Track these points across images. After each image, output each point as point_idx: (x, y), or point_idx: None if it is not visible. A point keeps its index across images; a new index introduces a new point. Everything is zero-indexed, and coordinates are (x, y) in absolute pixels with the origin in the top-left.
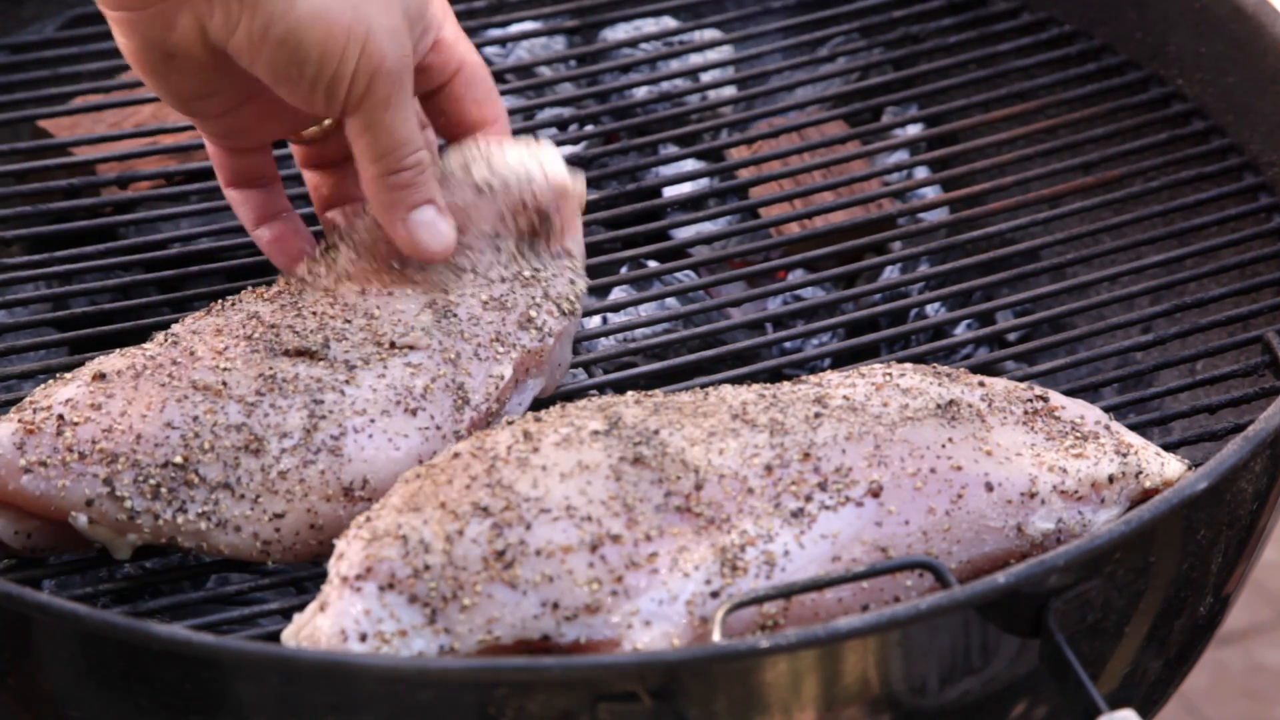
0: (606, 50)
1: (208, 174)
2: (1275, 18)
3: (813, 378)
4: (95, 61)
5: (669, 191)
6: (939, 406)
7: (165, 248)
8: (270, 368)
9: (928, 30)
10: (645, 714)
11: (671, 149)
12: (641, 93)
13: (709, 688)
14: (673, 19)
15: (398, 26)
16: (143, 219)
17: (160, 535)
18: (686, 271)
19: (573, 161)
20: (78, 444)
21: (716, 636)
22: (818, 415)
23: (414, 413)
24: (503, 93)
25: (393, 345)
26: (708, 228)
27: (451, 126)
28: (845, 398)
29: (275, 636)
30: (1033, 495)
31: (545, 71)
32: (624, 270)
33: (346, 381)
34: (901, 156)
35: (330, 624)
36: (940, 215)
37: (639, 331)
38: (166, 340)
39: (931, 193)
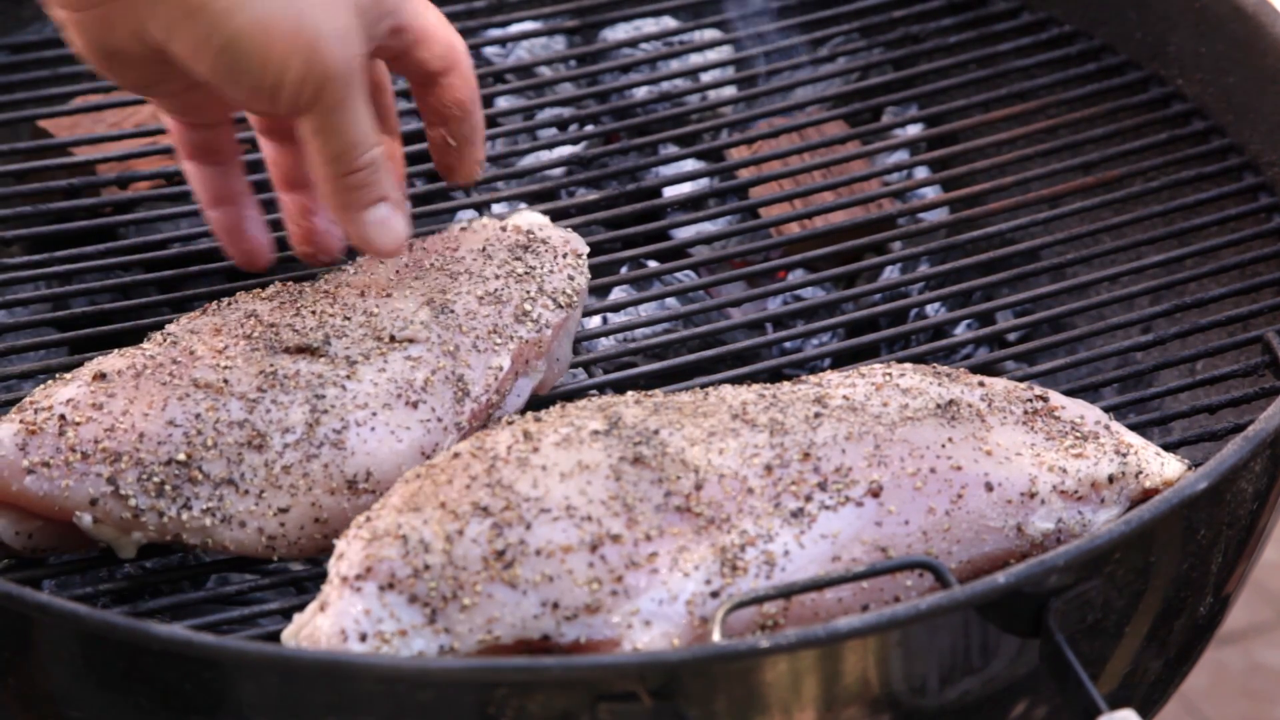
0: (606, 50)
1: None
2: (1275, 18)
3: (813, 378)
4: None
5: (669, 191)
6: (939, 406)
7: (165, 248)
8: (271, 365)
9: (928, 30)
10: (645, 714)
11: (671, 149)
12: (641, 93)
13: (709, 688)
14: (673, 19)
15: (346, 27)
16: (143, 219)
17: (165, 533)
18: (686, 271)
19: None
20: (80, 444)
21: (716, 636)
22: (818, 415)
23: (415, 405)
24: (502, 93)
25: (392, 339)
26: (708, 228)
27: (433, 115)
28: (845, 398)
29: (275, 636)
30: (1032, 495)
31: (545, 71)
32: (624, 270)
33: (347, 376)
34: (901, 156)
35: (330, 624)
36: (940, 215)
37: (639, 331)
38: (165, 340)
39: (931, 193)
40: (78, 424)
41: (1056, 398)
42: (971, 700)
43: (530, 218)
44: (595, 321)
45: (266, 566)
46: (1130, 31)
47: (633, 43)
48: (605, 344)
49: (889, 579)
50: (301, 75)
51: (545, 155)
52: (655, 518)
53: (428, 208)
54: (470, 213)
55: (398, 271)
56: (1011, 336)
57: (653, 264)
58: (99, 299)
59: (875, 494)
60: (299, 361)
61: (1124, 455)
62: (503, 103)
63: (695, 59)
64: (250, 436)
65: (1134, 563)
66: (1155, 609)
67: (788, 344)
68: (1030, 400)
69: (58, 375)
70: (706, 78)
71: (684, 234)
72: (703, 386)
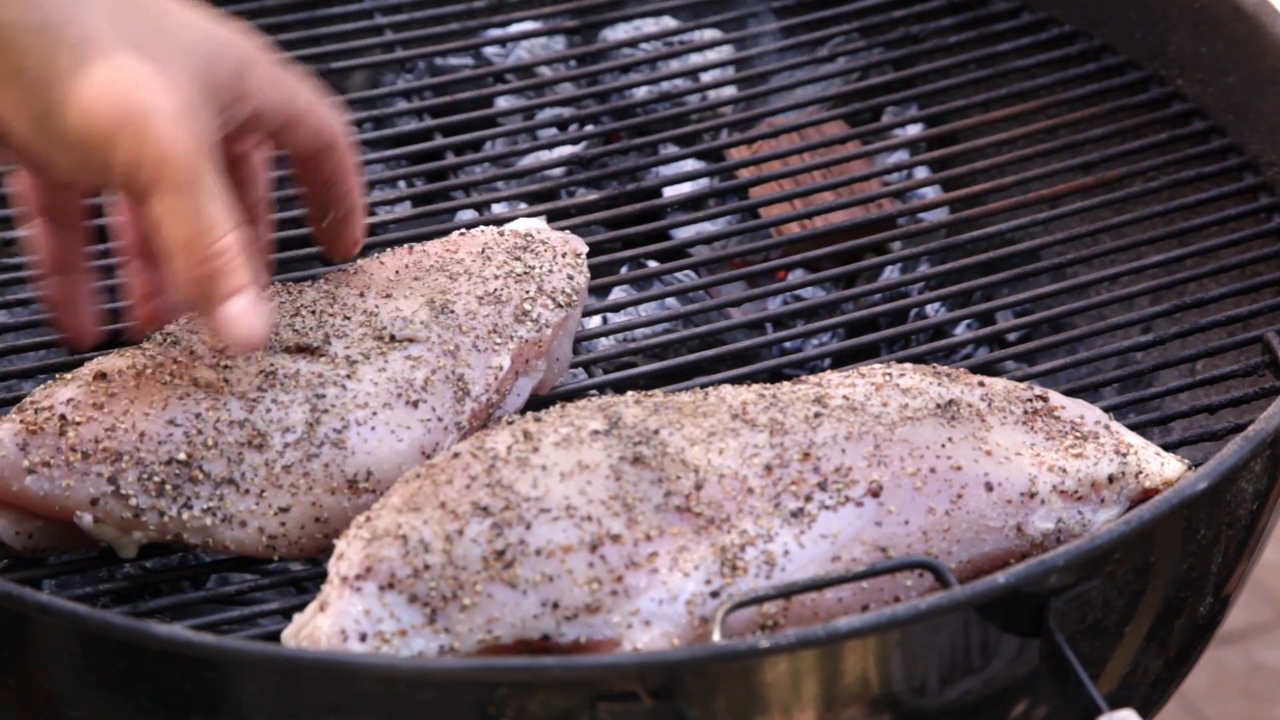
0: (606, 50)
1: None
2: (1275, 18)
3: (813, 378)
4: None
5: (669, 191)
6: (939, 406)
7: None
8: (271, 364)
9: (928, 30)
10: (645, 714)
11: (671, 149)
12: (641, 93)
13: (709, 688)
14: (673, 19)
15: (187, 106)
16: None
17: (166, 533)
18: (686, 271)
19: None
20: (81, 443)
21: (716, 636)
22: (817, 415)
23: (415, 405)
24: (502, 93)
25: (392, 339)
26: (708, 228)
27: (309, 192)
28: (845, 398)
29: (275, 636)
30: (1032, 495)
31: (545, 71)
32: (624, 270)
33: (348, 376)
34: (901, 156)
35: (330, 624)
36: (940, 215)
37: (639, 331)
38: (165, 340)
39: (931, 193)
40: (78, 424)
41: (1056, 398)
42: (971, 700)
43: (528, 223)
44: (595, 321)
45: (266, 566)
46: (1130, 31)
47: (633, 43)
48: (605, 344)
49: (889, 579)
50: (134, 156)
51: (545, 155)
52: (655, 518)
53: (428, 208)
54: (470, 213)
55: (397, 272)
56: (1011, 336)
57: (653, 264)
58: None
59: (875, 494)
60: (299, 361)
61: (1124, 455)
62: (503, 103)
63: (695, 59)
64: (251, 436)
65: (1134, 563)
66: (1155, 609)
67: (788, 344)
68: (1030, 400)
69: (58, 375)
70: (706, 78)
71: (684, 234)
72: (703, 386)
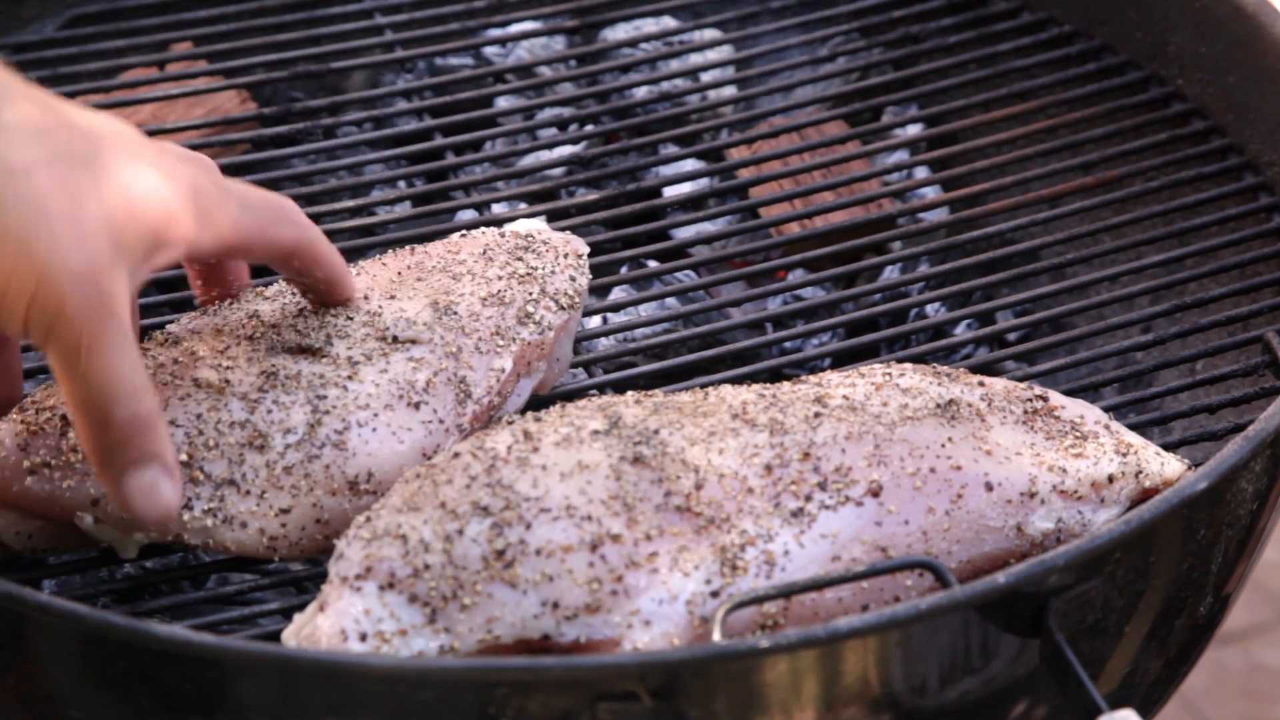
0: (606, 50)
1: None
2: (1275, 18)
3: (813, 378)
4: (95, 61)
5: (669, 191)
6: (939, 406)
7: None
8: (272, 365)
9: (928, 30)
10: (645, 714)
11: (671, 149)
12: (641, 93)
13: (709, 687)
14: (673, 19)
15: (88, 267)
16: None
17: (166, 533)
18: (686, 271)
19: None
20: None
21: (716, 636)
22: (817, 415)
23: (417, 406)
24: (502, 93)
25: (395, 340)
26: (708, 228)
27: (291, 278)
28: (845, 397)
29: (275, 636)
30: (1032, 495)
31: (545, 71)
32: (624, 270)
33: (349, 377)
34: (901, 156)
35: (330, 624)
36: (940, 215)
37: (639, 331)
38: (166, 340)
39: (931, 193)
40: None
41: (1056, 397)
42: (971, 700)
43: (528, 223)
44: (595, 321)
45: (266, 566)
46: (1130, 31)
47: (633, 43)
48: (605, 344)
49: (889, 579)
50: (25, 305)
51: (545, 155)
52: (655, 517)
53: (428, 208)
54: (470, 213)
55: (400, 274)
56: (1011, 336)
57: (653, 264)
58: None
59: (875, 494)
60: (300, 362)
61: (1124, 455)
62: (503, 103)
63: (695, 59)
64: (252, 437)
65: (1134, 563)
66: (1155, 609)
67: (788, 344)
68: (1030, 400)
69: None
70: (706, 78)
71: (684, 234)
72: (703, 386)
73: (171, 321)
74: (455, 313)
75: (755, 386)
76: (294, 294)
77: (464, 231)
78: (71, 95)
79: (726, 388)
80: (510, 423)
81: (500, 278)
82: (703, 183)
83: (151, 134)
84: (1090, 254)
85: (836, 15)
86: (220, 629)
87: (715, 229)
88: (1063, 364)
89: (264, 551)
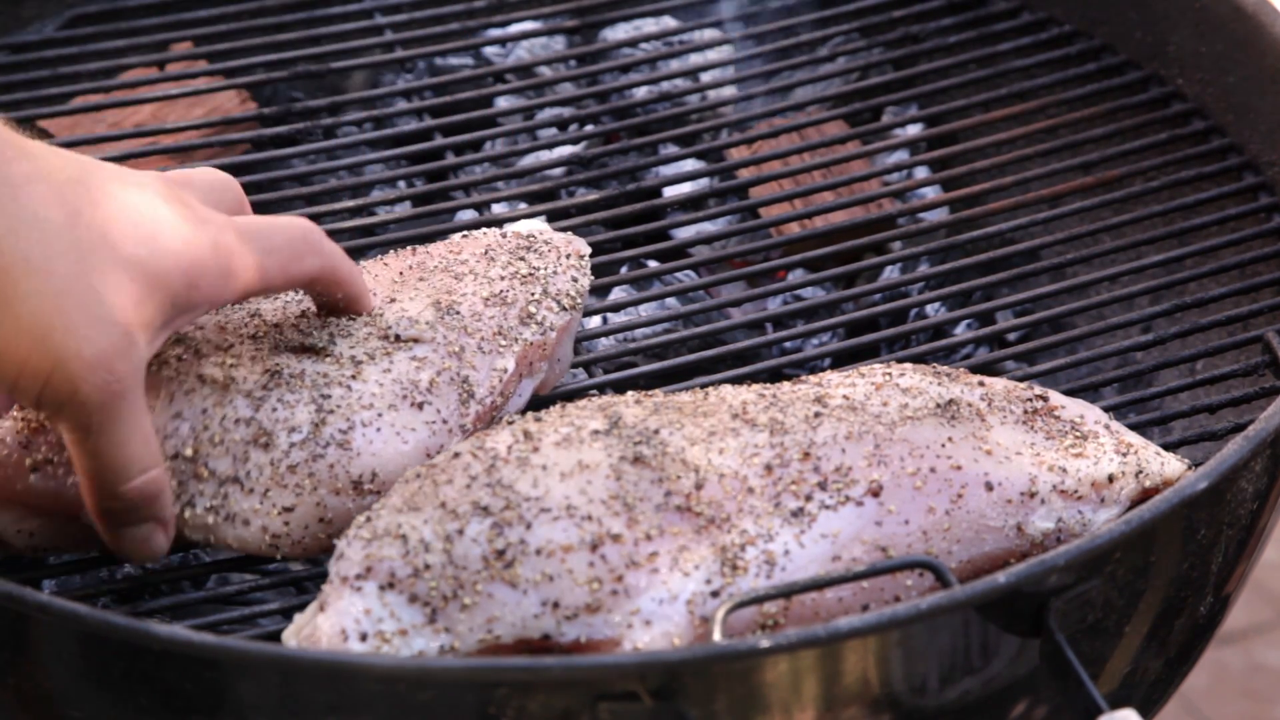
0: (606, 50)
1: None
2: (1275, 18)
3: (813, 378)
4: (95, 61)
5: (669, 191)
6: (939, 406)
7: None
8: (276, 364)
9: (928, 30)
10: (645, 714)
11: (671, 149)
12: (641, 93)
13: (709, 687)
14: (673, 19)
15: (106, 352)
16: None
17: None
18: (686, 271)
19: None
20: None
21: (717, 636)
22: (817, 415)
23: (420, 406)
24: (502, 93)
25: (397, 339)
26: (708, 228)
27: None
28: (845, 397)
29: (275, 636)
30: (1032, 495)
31: (545, 71)
32: (624, 270)
33: (353, 377)
34: (901, 156)
35: (330, 624)
36: (940, 215)
37: (639, 331)
38: (170, 339)
39: (931, 193)
40: None
41: (1056, 397)
42: (971, 700)
43: (529, 224)
44: (595, 321)
45: (267, 567)
46: (1130, 31)
47: (633, 43)
48: (605, 344)
49: (889, 579)
50: (38, 388)
51: (545, 155)
52: (655, 517)
53: (428, 208)
54: (470, 213)
55: (401, 274)
56: (1011, 336)
57: (653, 264)
58: None
59: (875, 493)
60: (304, 361)
61: (1124, 455)
62: (503, 103)
63: (695, 59)
64: (257, 434)
65: (1134, 562)
66: (1155, 609)
67: (788, 344)
68: (1030, 400)
69: None
70: (706, 78)
71: (684, 234)
72: (703, 386)
73: None
74: (458, 312)
75: (755, 386)
76: (296, 294)
77: (466, 232)
78: (71, 95)
79: (726, 388)
80: (510, 423)
81: (502, 278)
82: (703, 183)
83: (152, 134)
84: (1090, 254)
85: (836, 15)
86: (220, 629)
87: (715, 229)
88: (1063, 364)
89: (266, 549)
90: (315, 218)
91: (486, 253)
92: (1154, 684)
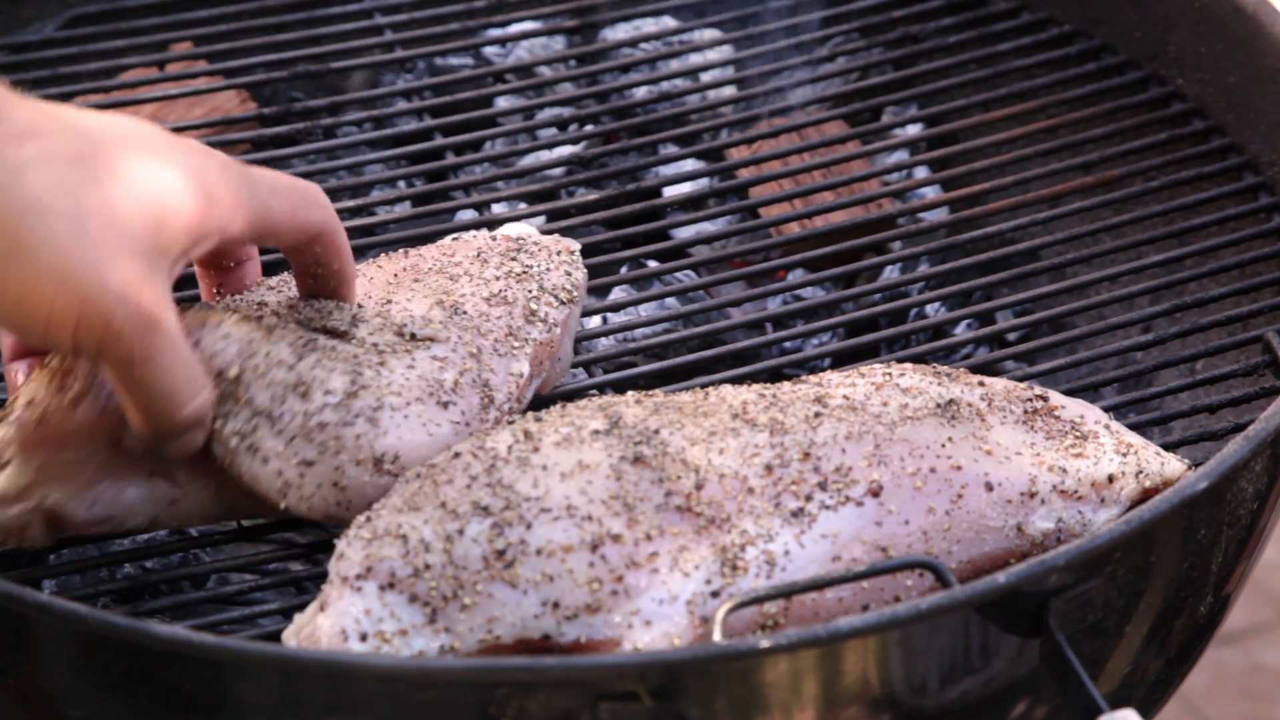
0: (606, 50)
1: None
2: (1275, 18)
3: (813, 377)
4: (95, 61)
5: (669, 191)
6: (939, 406)
7: None
8: (310, 336)
9: (928, 30)
10: (646, 714)
11: (671, 149)
12: (641, 93)
13: (709, 687)
14: (673, 19)
15: (127, 282)
16: None
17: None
18: (686, 271)
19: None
20: None
21: (717, 636)
22: (818, 415)
23: (445, 406)
24: (502, 93)
25: (413, 337)
26: (708, 228)
27: (300, 274)
28: (845, 397)
29: (275, 636)
30: (1032, 495)
31: (545, 71)
32: (624, 270)
33: (380, 364)
34: (901, 156)
35: (330, 624)
36: (940, 215)
37: (639, 331)
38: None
39: (931, 193)
40: None
41: (1056, 397)
42: (971, 700)
43: (518, 227)
44: (595, 321)
45: (267, 567)
46: (1130, 31)
47: (633, 43)
48: (605, 344)
49: (889, 579)
50: (71, 329)
51: (545, 155)
52: (656, 517)
53: (428, 208)
54: (470, 213)
55: (396, 275)
56: (1011, 336)
57: (653, 264)
58: None
59: (875, 494)
60: (333, 339)
61: (1124, 455)
62: (503, 103)
63: (695, 59)
64: (296, 382)
65: (1134, 562)
66: (1155, 609)
67: (788, 344)
68: (1030, 400)
69: None
70: (706, 78)
71: (684, 234)
72: (703, 386)
73: None
74: (464, 312)
75: (755, 386)
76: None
77: (456, 235)
78: (71, 95)
79: (726, 388)
80: (510, 423)
81: (498, 278)
82: (703, 183)
83: None
84: (1090, 254)
85: (836, 15)
86: (220, 629)
87: (715, 229)
88: (1063, 364)
89: (274, 494)
90: None
91: (479, 255)
92: (1154, 684)
